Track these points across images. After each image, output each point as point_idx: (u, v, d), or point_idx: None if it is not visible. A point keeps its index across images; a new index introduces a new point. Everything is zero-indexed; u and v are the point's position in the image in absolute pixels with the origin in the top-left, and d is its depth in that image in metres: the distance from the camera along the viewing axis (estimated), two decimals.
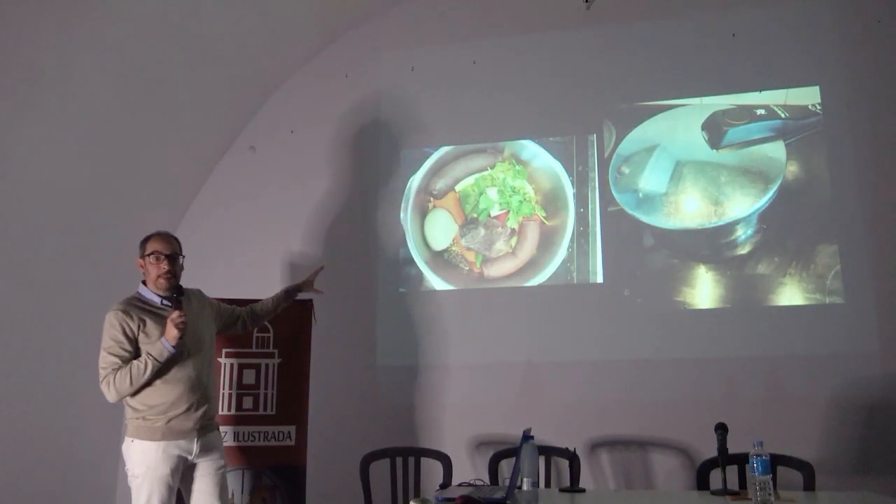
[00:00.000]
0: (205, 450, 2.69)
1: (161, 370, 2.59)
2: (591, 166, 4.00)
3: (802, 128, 3.79)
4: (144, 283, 2.74)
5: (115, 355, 2.56)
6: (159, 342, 2.58)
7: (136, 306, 2.66)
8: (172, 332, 2.58)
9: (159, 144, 4.04)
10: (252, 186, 4.39)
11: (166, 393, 2.61)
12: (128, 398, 2.61)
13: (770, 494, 2.25)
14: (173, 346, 2.58)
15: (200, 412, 2.67)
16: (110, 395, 2.57)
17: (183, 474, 2.67)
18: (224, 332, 3.09)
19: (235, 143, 4.51)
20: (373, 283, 4.16)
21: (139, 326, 2.61)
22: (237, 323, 3.10)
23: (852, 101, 3.72)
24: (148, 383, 2.59)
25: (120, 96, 3.66)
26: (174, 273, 2.73)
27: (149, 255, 2.70)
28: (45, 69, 3.23)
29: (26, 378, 3.43)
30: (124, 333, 2.58)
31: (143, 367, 2.55)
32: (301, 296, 3.35)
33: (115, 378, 2.54)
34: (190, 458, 2.66)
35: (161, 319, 2.65)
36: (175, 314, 2.60)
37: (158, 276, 2.69)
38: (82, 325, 3.52)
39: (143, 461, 2.57)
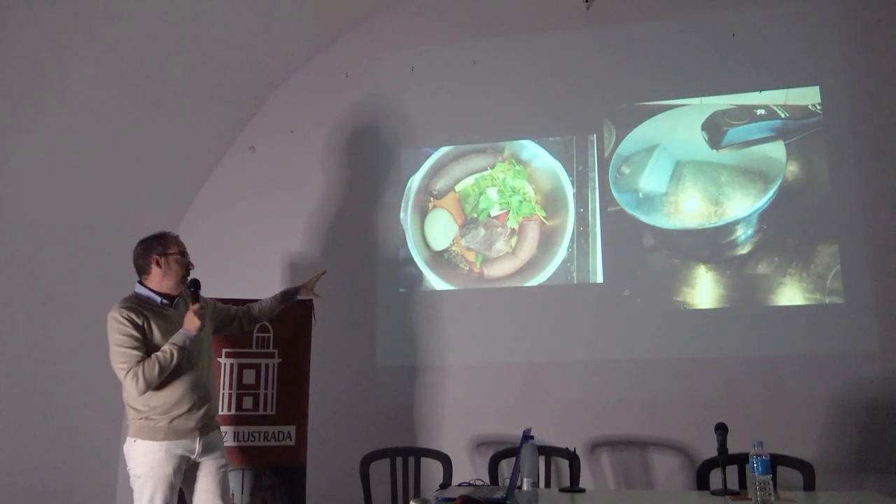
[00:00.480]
0: (207, 449, 2.69)
1: None
2: (591, 166, 4.00)
3: (802, 128, 3.79)
4: (141, 283, 2.74)
5: (134, 349, 2.56)
6: (181, 332, 2.62)
7: (137, 305, 2.66)
8: (195, 322, 2.63)
9: (159, 144, 4.04)
10: (252, 186, 4.39)
11: (169, 393, 2.61)
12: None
13: (770, 494, 2.24)
14: (193, 336, 2.63)
15: (202, 412, 2.68)
16: (139, 388, 2.54)
17: (185, 474, 2.67)
18: (219, 331, 3.09)
19: (235, 143, 4.51)
20: (373, 283, 4.16)
21: (142, 323, 2.61)
22: (233, 322, 3.11)
23: (852, 101, 3.72)
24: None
25: (120, 96, 3.66)
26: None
27: (173, 254, 2.72)
28: (45, 69, 3.23)
29: (26, 378, 3.43)
30: (135, 328, 2.59)
31: (168, 357, 2.57)
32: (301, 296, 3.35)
33: (142, 369, 2.53)
34: (193, 457, 2.66)
35: (161, 318, 2.66)
36: (196, 305, 2.66)
37: (184, 275, 2.74)
38: (82, 324, 3.53)
39: (146, 461, 2.57)
